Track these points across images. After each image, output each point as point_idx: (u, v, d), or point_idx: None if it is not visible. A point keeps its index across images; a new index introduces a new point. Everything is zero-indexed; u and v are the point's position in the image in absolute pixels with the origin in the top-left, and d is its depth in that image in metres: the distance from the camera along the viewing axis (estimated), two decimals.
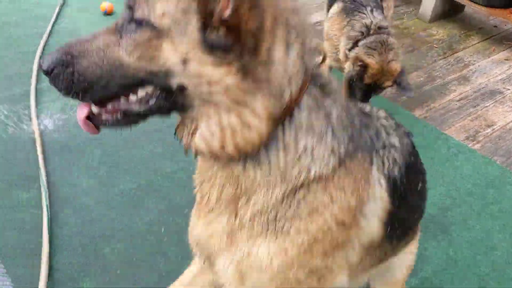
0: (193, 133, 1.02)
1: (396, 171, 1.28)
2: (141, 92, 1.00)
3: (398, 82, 2.96)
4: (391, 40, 3.00)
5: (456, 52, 4.48)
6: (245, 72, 0.92)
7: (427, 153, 3.19)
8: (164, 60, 0.94)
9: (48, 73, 1.00)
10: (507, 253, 2.56)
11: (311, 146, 1.03)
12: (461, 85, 4.00)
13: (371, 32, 3.00)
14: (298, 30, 0.98)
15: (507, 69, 4.25)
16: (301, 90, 0.99)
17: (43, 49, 3.85)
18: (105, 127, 1.09)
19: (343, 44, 3.08)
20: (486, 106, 3.75)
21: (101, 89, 1.00)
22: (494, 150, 3.28)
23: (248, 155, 1.01)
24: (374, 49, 2.93)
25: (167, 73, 0.95)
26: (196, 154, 1.07)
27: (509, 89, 3.97)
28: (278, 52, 0.95)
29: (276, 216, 1.09)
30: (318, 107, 1.03)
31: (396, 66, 2.95)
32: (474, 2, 4.59)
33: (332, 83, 1.09)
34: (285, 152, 1.02)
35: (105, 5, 4.44)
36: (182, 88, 0.96)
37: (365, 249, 1.26)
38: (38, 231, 2.39)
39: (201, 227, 1.24)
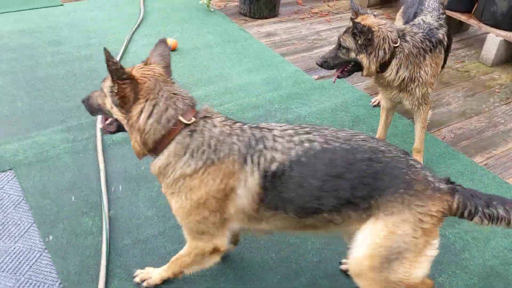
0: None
1: (273, 167, 1.90)
2: (108, 120, 2.14)
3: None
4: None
5: None
6: (129, 121, 1.95)
7: None
8: (107, 106, 2.04)
9: (82, 101, 2.22)
10: None
11: (174, 161, 1.94)
12: None
13: None
14: (161, 108, 1.91)
15: None
16: (169, 135, 1.92)
17: None
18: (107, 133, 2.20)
19: None
20: None
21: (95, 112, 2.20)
22: None
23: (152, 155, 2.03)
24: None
25: (109, 111, 2.05)
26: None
27: None
28: (142, 117, 1.92)
29: (175, 188, 1.99)
30: (181, 143, 1.92)
31: (372, 21, 2.90)
32: None
33: (205, 128, 1.95)
34: (163, 162, 1.97)
35: (170, 42, 4.65)
36: (115, 119, 2.05)
37: (244, 212, 1.98)
38: (98, 258, 2.49)
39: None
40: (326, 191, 1.90)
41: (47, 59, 4.41)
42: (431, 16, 3.19)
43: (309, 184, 1.89)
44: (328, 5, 6.20)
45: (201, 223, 2.02)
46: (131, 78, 1.89)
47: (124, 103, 1.91)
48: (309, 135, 1.95)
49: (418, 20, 3.20)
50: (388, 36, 2.83)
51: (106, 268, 2.43)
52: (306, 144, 1.92)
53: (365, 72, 2.92)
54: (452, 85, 4.50)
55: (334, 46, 3.01)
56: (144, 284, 2.37)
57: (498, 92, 4.42)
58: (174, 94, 1.94)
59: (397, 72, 2.91)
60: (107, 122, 2.14)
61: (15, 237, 2.60)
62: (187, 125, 1.91)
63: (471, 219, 1.94)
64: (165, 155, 1.95)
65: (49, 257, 2.50)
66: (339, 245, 2.69)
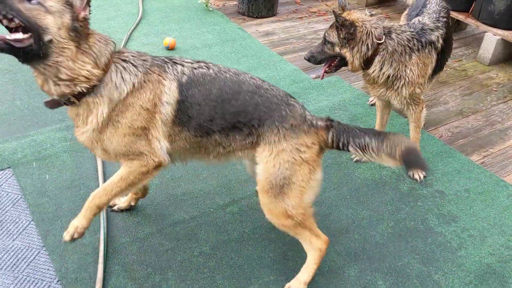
0: (47, 80, 2.00)
1: (184, 79, 2.14)
2: (20, 35, 1.84)
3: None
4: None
5: None
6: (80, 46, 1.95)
7: (485, 200, 3.09)
8: (46, 22, 1.84)
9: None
10: None
11: (119, 81, 2.04)
12: None
13: None
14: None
15: None
16: (109, 61, 2.03)
17: None
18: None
19: None
20: None
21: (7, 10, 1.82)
22: None
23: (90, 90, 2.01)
24: None
25: (45, 30, 1.84)
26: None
27: None
28: (94, 45, 2.00)
29: (112, 115, 2.07)
30: (116, 66, 2.07)
31: (356, 15, 2.89)
32: None
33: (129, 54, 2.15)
34: (109, 86, 2.03)
35: (168, 41, 4.67)
36: (50, 41, 1.86)
37: (166, 125, 2.15)
38: (96, 256, 2.50)
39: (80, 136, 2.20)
40: (216, 113, 2.17)
41: None
42: (429, 18, 3.19)
43: (205, 103, 2.16)
44: (326, 4, 6.21)
45: (137, 142, 2.14)
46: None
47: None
48: (206, 64, 2.25)
49: (414, 20, 3.21)
50: (372, 32, 2.85)
51: (104, 266, 2.45)
52: (204, 70, 2.20)
53: (349, 67, 2.96)
54: (449, 84, 4.52)
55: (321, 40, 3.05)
56: (76, 235, 2.24)
57: (496, 91, 4.43)
58: None
59: (381, 69, 2.93)
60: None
61: (13, 235, 2.62)
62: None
63: (347, 149, 2.26)
64: None
65: (47, 255, 2.51)
66: (335, 243, 2.70)
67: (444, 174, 3.31)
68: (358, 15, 2.89)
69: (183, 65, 2.19)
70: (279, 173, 2.19)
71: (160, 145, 2.18)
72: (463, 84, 4.51)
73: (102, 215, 2.70)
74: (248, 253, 2.62)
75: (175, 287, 2.40)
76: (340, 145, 2.26)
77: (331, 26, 2.93)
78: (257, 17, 5.67)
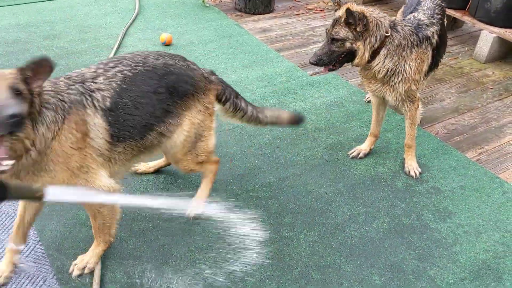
0: None
1: (108, 103, 2.13)
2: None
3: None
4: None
5: None
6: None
7: (481, 196, 3.11)
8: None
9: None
10: None
11: (43, 132, 1.91)
12: None
13: None
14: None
15: None
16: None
17: None
18: None
19: None
20: None
21: None
22: None
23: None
24: None
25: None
26: None
27: None
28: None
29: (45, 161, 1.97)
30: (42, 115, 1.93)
31: (361, 9, 2.86)
32: None
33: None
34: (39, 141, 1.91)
35: (165, 37, 4.66)
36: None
37: (103, 155, 2.14)
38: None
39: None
40: (153, 106, 2.28)
41: (42, 53, 4.40)
42: (424, 14, 3.20)
43: (141, 103, 2.24)
44: (323, 1, 6.21)
45: (81, 179, 2.11)
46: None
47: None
48: (117, 67, 2.24)
49: (409, 16, 3.21)
50: (381, 23, 2.84)
51: (101, 261, 2.45)
52: (120, 75, 2.22)
53: (357, 60, 2.90)
54: (445, 81, 4.53)
55: (323, 42, 2.98)
56: (86, 271, 2.39)
57: (491, 88, 4.45)
58: None
59: (383, 62, 2.91)
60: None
61: (9, 229, 2.61)
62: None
63: (224, 104, 2.68)
64: None
65: (43, 250, 2.51)
66: (331, 239, 2.71)
67: (440, 170, 3.33)
68: (361, 7, 2.88)
69: (101, 89, 2.14)
70: (196, 133, 2.51)
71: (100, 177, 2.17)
72: (459, 82, 4.52)
73: None
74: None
75: (171, 282, 2.40)
76: (223, 98, 2.65)
77: (335, 24, 2.86)
78: (254, 14, 5.67)
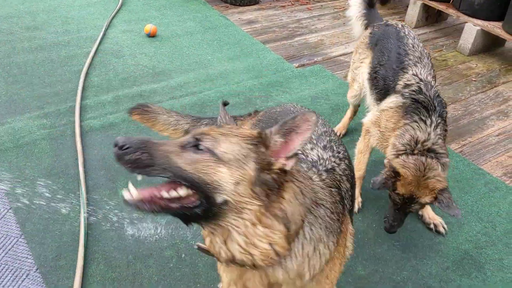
0: (225, 243, 1.32)
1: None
2: (181, 191, 1.26)
3: (440, 200, 2.41)
4: (434, 163, 2.50)
5: (495, 86, 4.43)
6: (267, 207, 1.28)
7: (463, 188, 3.15)
8: (217, 178, 1.24)
9: (120, 147, 1.27)
10: None
11: (313, 249, 1.43)
12: (500, 120, 3.94)
13: (415, 151, 2.55)
14: (304, 191, 1.37)
15: None
16: (302, 224, 1.37)
17: (89, 67, 4.03)
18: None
19: (390, 148, 2.68)
20: None
21: (159, 172, 1.26)
22: None
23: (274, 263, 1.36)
24: (412, 163, 2.48)
25: (216, 188, 1.24)
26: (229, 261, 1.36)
27: None
28: (290, 203, 1.31)
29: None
30: (315, 224, 1.44)
31: (436, 183, 2.44)
32: None
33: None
34: (297, 260, 1.40)
35: (149, 28, 4.62)
36: (225, 201, 1.25)
37: None
38: (75, 244, 2.48)
39: None
40: None
41: (24, 44, 4.33)
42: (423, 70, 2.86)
43: None
44: None
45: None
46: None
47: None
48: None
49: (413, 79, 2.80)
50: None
51: (84, 254, 2.43)
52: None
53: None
54: None
55: (389, 207, 2.59)
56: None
57: (475, 80, 4.49)
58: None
59: None
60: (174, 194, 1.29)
61: (9, 249, 2.56)
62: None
63: None
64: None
65: (26, 243, 2.48)
66: None
67: None
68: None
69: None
70: None
71: None
72: (443, 74, 4.56)
73: (82, 201, 2.67)
74: None
75: (156, 274, 2.39)
76: None
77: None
78: (239, 5, 5.63)
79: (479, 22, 4.78)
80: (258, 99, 3.88)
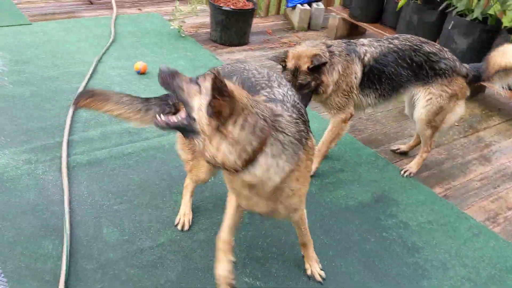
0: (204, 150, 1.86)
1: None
2: (182, 113, 1.88)
3: (312, 60, 3.14)
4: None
5: (477, 132, 4.55)
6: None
7: (447, 231, 3.18)
8: (193, 102, 1.82)
9: (163, 73, 1.91)
10: None
11: (275, 163, 1.91)
12: (482, 165, 4.03)
13: None
14: (252, 116, 1.82)
15: None
16: (262, 143, 1.84)
17: None
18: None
19: None
20: (507, 188, 3.76)
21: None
22: None
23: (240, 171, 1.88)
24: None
25: (191, 108, 1.82)
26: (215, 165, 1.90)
27: None
28: (237, 128, 1.79)
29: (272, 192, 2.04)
30: (275, 145, 1.90)
31: (311, 50, 3.20)
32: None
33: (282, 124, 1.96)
34: (261, 168, 1.88)
35: (139, 65, 4.67)
36: (194, 119, 1.81)
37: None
38: (57, 283, 2.42)
39: (246, 202, 2.18)
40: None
41: (12, 78, 4.33)
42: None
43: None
44: (297, 36, 6.35)
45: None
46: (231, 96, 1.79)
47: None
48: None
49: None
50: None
51: None
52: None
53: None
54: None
55: None
56: None
57: (457, 125, 4.60)
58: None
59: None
60: (175, 116, 1.91)
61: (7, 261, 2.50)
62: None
63: None
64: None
65: (6, 282, 2.41)
66: (301, 273, 2.71)
67: (408, 205, 3.39)
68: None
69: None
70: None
71: None
72: None
73: (66, 240, 2.63)
74: (215, 283, 2.59)
75: None
76: None
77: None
78: (229, 45, 5.75)
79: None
80: None
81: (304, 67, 3.15)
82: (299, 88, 3.19)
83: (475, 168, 3.97)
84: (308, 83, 3.20)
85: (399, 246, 3.01)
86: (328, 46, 3.29)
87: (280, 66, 3.32)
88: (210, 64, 5.15)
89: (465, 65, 3.48)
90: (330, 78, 3.23)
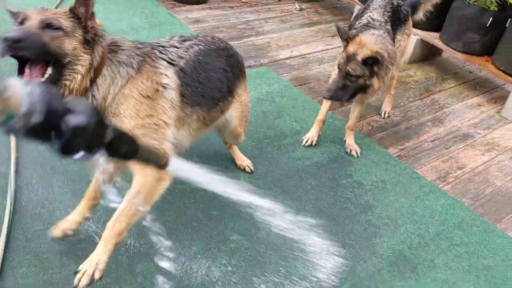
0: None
1: (182, 63, 2.25)
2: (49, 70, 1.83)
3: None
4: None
5: (432, 94, 4.64)
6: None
7: (400, 190, 3.27)
8: (64, 47, 1.83)
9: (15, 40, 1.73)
10: None
11: (113, 76, 1.98)
12: (435, 127, 4.13)
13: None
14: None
15: (479, 114, 4.42)
16: (101, 61, 1.93)
17: None
18: None
19: None
20: (458, 149, 3.88)
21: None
22: (464, 192, 3.38)
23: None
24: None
25: (64, 56, 1.83)
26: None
27: (480, 134, 4.12)
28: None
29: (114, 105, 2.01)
30: (112, 62, 1.99)
31: (375, 46, 3.07)
32: (452, 48, 4.79)
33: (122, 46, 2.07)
34: (102, 84, 1.97)
35: None
36: (68, 62, 1.85)
37: (174, 109, 2.18)
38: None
39: None
40: (222, 82, 2.48)
41: None
42: (377, 13, 3.44)
43: (213, 77, 2.40)
44: None
45: (148, 133, 2.09)
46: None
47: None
48: (191, 41, 2.43)
49: (366, 18, 3.43)
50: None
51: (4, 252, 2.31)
52: (196, 48, 2.39)
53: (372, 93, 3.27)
54: None
55: (337, 75, 3.16)
56: (97, 275, 2.04)
57: (413, 88, 4.68)
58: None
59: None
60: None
61: None
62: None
63: None
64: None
65: None
66: (257, 232, 2.73)
67: (362, 165, 3.46)
68: (369, 39, 3.14)
69: (178, 55, 2.29)
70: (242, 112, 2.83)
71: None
72: None
73: (10, 199, 2.53)
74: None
75: None
76: None
77: (351, 60, 3.06)
78: (187, 3, 5.57)
79: (418, 31, 4.99)
80: None
81: (361, 56, 3.01)
82: (345, 76, 3.09)
83: (428, 130, 4.07)
84: (356, 78, 3.08)
85: (353, 204, 3.08)
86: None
87: (342, 43, 3.20)
88: (166, 22, 4.99)
89: None
90: (381, 83, 3.17)
